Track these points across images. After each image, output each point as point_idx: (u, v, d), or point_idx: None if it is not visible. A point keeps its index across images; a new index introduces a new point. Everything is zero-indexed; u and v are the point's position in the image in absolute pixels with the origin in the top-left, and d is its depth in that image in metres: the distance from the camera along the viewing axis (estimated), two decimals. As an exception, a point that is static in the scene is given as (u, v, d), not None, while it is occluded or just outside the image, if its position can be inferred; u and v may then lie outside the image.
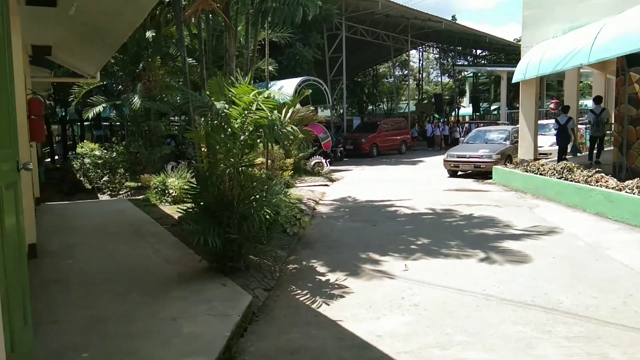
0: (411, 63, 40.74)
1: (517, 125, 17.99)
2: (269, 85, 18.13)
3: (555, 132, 12.65)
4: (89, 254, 5.69)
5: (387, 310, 4.05)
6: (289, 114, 5.13)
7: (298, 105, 15.76)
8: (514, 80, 12.65)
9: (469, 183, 12.81)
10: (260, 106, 4.53)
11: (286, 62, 20.21)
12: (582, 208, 8.26)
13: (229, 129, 4.70)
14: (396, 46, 31.64)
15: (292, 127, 4.78)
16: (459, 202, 9.48)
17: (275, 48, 19.31)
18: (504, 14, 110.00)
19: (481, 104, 42.31)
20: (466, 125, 24.29)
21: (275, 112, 4.83)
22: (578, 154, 13.77)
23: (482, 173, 13.64)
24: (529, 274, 4.89)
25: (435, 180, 13.63)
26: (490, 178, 13.06)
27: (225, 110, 4.66)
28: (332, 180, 14.19)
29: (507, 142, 14.53)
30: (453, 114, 42.10)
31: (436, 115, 38.67)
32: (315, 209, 9.20)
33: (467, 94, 49.71)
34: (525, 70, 11.74)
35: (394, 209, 9.03)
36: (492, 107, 43.33)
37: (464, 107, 46.72)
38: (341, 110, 39.13)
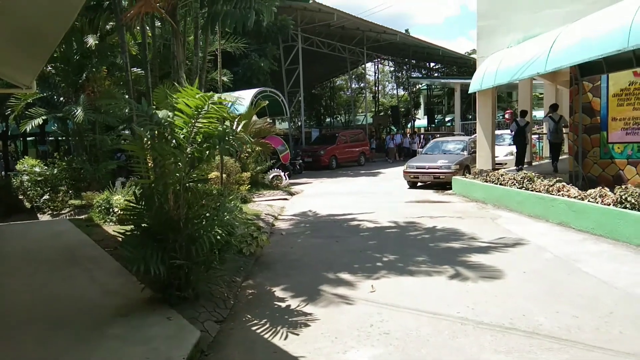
0: (367, 76, 41.07)
1: (474, 136, 18.27)
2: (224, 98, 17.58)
3: (512, 135, 13.03)
4: (14, 286, 4.96)
5: (354, 342, 3.61)
6: (240, 126, 4.68)
7: (255, 117, 15.28)
8: (470, 91, 12.67)
9: (430, 194, 12.66)
10: (209, 114, 4.04)
11: (242, 72, 19.68)
12: (545, 218, 8.16)
13: (174, 140, 4.17)
14: (352, 58, 31.73)
15: (244, 138, 4.30)
16: (421, 214, 9.24)
17: (230, 59, 18.77)
18: (452, 29, 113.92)
19: (436, 115, 43.19)
20: (422, 136, 24.42)
21: (227, 122, 4.36)
22: (534, 164, 13.98)
23: (441, 184, 13.56)
24: (503, 291, 4.59)
25: (396, 192, 13.42)
26: (450, 189, 12.97)
27: (168, 119, 4.13)
28: (291, 194, 13.72)
29: (465, 153, 14.56)
30: (409, 125, 42.67)
31: (392, 127, 39.03)
32: (274, 225, 8.70)
33: (422, 106, 50.71)
34: (481, 80, 11.76)
35: (356, 223, 8.66)
36: (447, 119, 44.27)
37: (419, 118, 47.55)
38: (299, 123, 38.97)
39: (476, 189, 11.01)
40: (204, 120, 4.07)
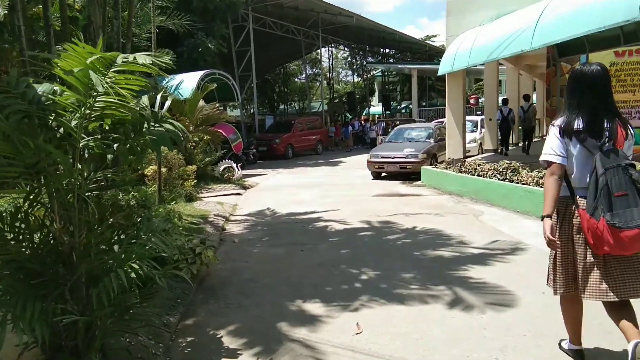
0: (322, 62, 39.70)
1: (438, 122, 17.45)
2: (166, 81, 15.78)
3: (498, 122, 13.69)
4: None
5: None
6: (166, 105, 3.30)
7: (202, 102, 13.67)
8: (440, 73, 11.66)
9: (397, 186, 11.61)
10: (117, 85, 2.64)
11: (187, 54, 17.85)
12: (536, 214, 7.23)
13: (60, 129, 2.73)
14: (307, 41, 30.31)
15: (174, 124, 2.92)
16: (394, 212, 8.12)
17: (173, 38, 16.91)
18: (402, 17, 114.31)
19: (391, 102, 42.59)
20: (383, 123, 23.42)
21: (145, 98, 2.96)
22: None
23: (407, 174, 12.56)
24: (530, 327, 3.48)
25: (361, 183, 12.29)
26: (418, 179, 11.99)
27: (51, 96, 2.69)
28: (245, 188, 12.31)
29: (431, 140, 13.61)
30: (364, 112, 41.84)
31: (347, 115, 38.04)
32: (224, 230, 7.31)
33: (376, 93, 50.02)
34: (452, 60, 10.74)
35: (322, 224, 7.41)
36: (402, 106, 43.76)
37: (373, 106, 46.82)
38: (252, 110, 37.13)
39: (450, 180, 10.02)
40: (107, 99, 2.66)
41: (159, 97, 3.15)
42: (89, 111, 2.71)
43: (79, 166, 2.81)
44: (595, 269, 2.61)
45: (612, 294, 2.56)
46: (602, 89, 2.62)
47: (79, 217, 2.77)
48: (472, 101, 20.90)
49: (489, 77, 15.51)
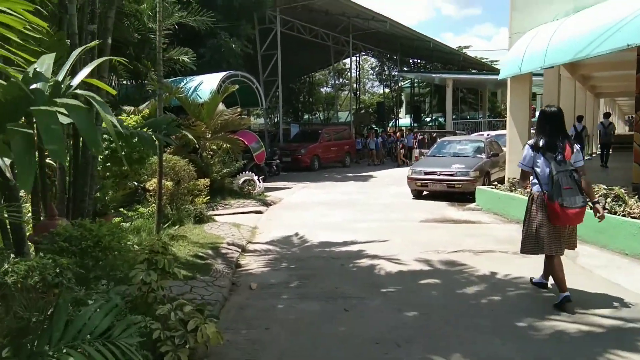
0: (349, 72, 38.04)
1: (490, 134, 15.59)
2: (185, 82, 14.32)
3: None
4: None
5: None
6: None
7: (222, 106, 12.12)
8: (501, 76, 9.84)
9: (446, 209, 9.78)
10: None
11: (209, 55, 16.40)
12: (659, 260, 5.35)
13: None
14: (336, 47, 28.77)
15: (113, 120, 1.24)
16: (456, 246, 6.32)
17: (195, 37, 15.50)
18: (425, 32, 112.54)
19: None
20: (420, 136, 21.53)
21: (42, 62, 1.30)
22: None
23: (454, 194, 10.74)
24: None
25: (400, 204, 10.50)
26: (468, 201, 10.18)
27: None
28: (266, 205, 10.64)
29: (483, 156, 11.72)
30: (390, 124, 40.03)
31: (374, 126, 36.29)
32: (239, 266, 5.61)
33: (404, 104, 48.19)
34: (520, 61, 8.91)
35: (367, 261, 5.66)
36: (432, 118, 41.85)
37: (401, 117, 44.99)
38: (276, 118, 35.68)
39: (517, 205, 8.11)
40: None
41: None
42: None
43: None
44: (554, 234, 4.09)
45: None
46: (558, 122, 4.16)
47: None
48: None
49: (549, 86, 13.56)
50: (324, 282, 4.88)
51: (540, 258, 4.50)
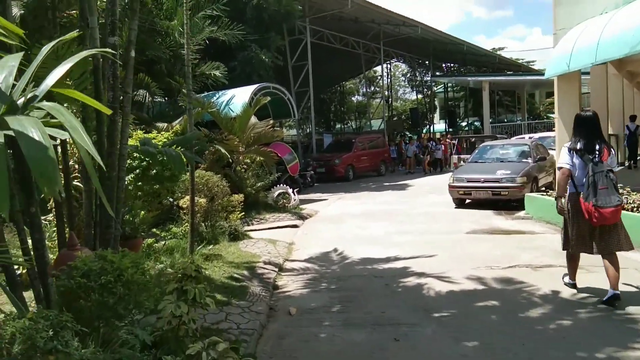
0: (380, 78, 37.52)
1: (534, 137, 14.84)
2: (217, 96, 14.25)
3: (625, 139, 13.52)
4: None
5: None
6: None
7: (254, 119, 11.95)
8: (547, 75, 9.24)
9: (492, 218, 9.21)
10: None
11: (239, 68, 16.34)
12: None
13: None
14: (367, 55, 28.42)
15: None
16: (510, 261, 5.80)
17: (225, 51, 15.48)
18: (457, 35, 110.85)
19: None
20: (455, 141, 20.82)
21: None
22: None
23: (500, 202, 10.14)
24: None
25: (442, 213, 9.97)
26: (516, 209, 9.57)
27: None
28: (302, 218, 10.31)
29: (529, 160, 11.06)
30: (424, 130, 39.23)
31: (407, 133, 35.58)
32: (277, 287, 5.28)
33: (438, 109, 47.20)
34: (568, 58, 8.30)
35: (414, 280, 5.21)
36: (468, 122, 40.80)
37: (435, 123, 44.03)
38: (308, 129, 35.48)
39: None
40: None
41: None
42: None
43: None
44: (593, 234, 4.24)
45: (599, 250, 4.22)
46: (594, 126, 4.32)
47: None
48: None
49: (596, 85, 12.76)
50: (369, 306, 4.47)
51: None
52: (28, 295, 2.82)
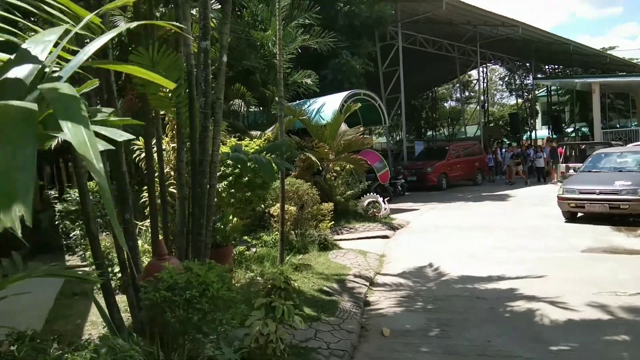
0: (475, 83, 35.77)
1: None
2: (308, 104, 14.32)
3: None
4: None
5: None
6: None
7: (344, 126, 11.80)
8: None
9: (611, 235, 8.13)
10: None
11: (331, 75, 16.33)
12: None
13: None
14: (462, 59, 27.21)
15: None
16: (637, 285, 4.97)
17: (317, 59, 15.58)
18: (560, 34, 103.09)
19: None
20: (561, 148, 19.05)
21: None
22: None
23: (617, 216, 8.98)
24: None
25: (549, 227, 9.03)
26: (637, 225, 8.41)
27: None
28: (393, 228, 9.91)
29: (653, 170, 9.70)
30: (525, 136, 36.64)
31: (505, 140, 33.48)
32: (368, 303, 4.97)
33: (539, 114, 43.97)
34: None
35: (523, 304, 4.63)
36: (575, 128, 37.49)
37: (537, 129, 41.01)
38: (398, 137, 34.78)
39: None
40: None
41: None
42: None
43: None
44: None
45: None
46: None
47: None
48: None
49: None
50: (472, 332, 4.00)
51: None
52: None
